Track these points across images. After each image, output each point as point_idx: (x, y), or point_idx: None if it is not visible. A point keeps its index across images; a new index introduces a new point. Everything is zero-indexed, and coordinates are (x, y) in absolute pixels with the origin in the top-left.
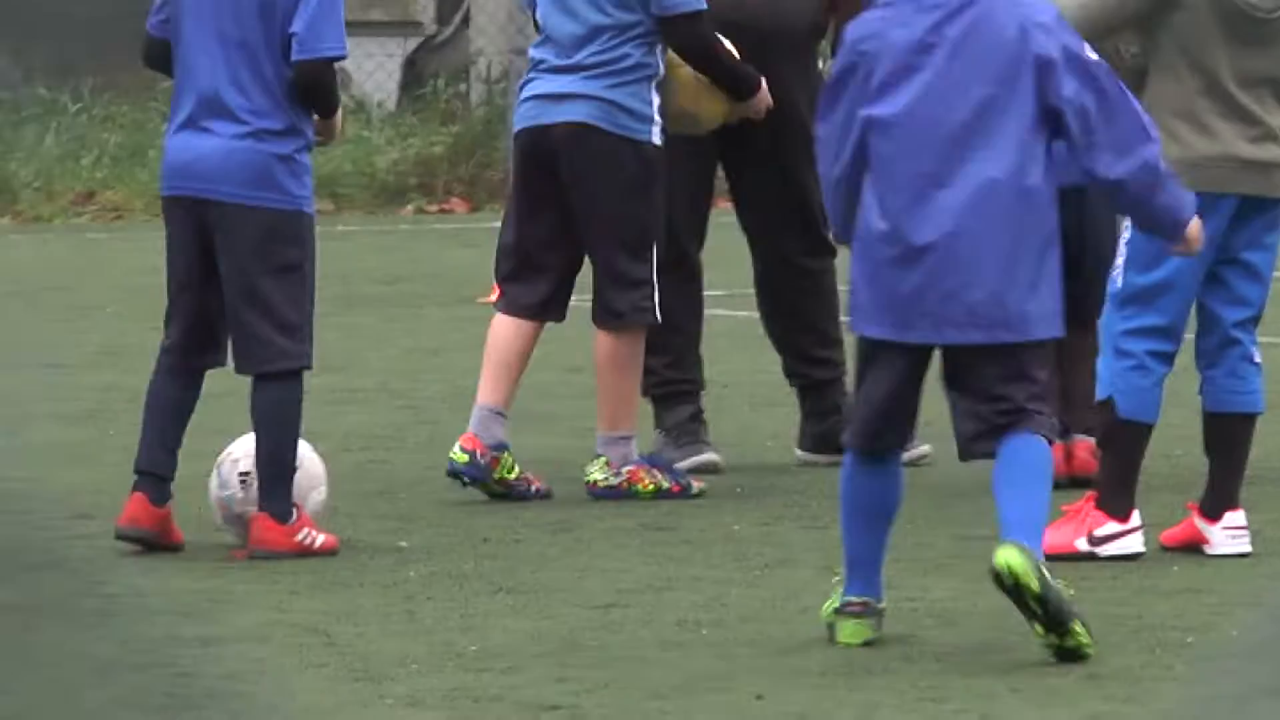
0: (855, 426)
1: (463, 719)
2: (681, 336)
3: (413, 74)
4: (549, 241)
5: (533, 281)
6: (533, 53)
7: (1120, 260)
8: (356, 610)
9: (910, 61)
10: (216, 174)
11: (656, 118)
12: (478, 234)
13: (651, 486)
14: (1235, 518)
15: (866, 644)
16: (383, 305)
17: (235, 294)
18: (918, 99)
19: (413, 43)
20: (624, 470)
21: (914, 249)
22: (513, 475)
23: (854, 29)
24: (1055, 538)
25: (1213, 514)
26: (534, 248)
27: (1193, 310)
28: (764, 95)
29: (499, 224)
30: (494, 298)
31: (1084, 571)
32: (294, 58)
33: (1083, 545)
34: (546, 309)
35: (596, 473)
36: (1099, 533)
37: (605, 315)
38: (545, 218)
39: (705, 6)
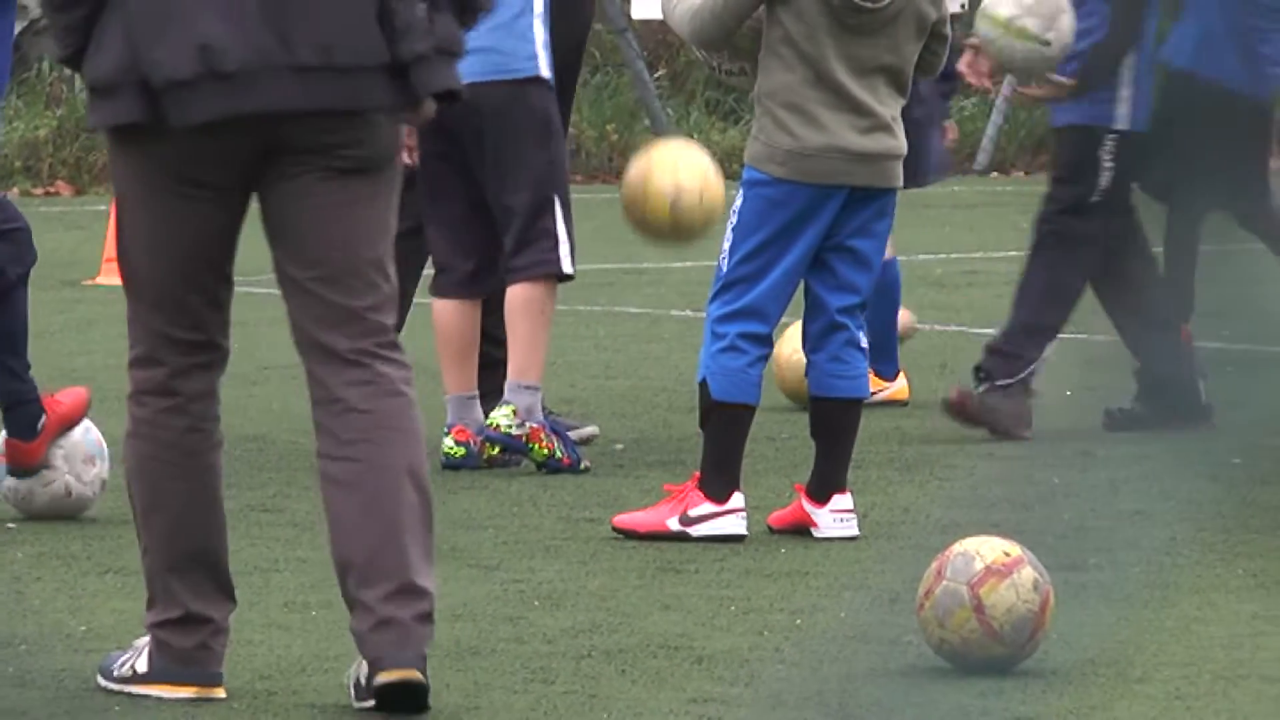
0: None
1: (71, 699)
2: (407, 305)
3: (18, 57)
4: None
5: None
6: None
7: (725, 245)
8: None
9: None
10: None
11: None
12: (83, 216)
13: (545, 451)
14: (842, 501)
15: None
16: None
17: None
18: None
19: (18, 26)
20: (528, 424)
21: None
22: (497, 452)
23: None
24: (651, 517)
25: (820, 497)
26: None
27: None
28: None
29: (104, 207)
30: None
31: (689, 554)
32: None
33: (674, 525)
34: (479, 282)
35: (501, 418)
36: (693, 513)
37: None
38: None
39: None
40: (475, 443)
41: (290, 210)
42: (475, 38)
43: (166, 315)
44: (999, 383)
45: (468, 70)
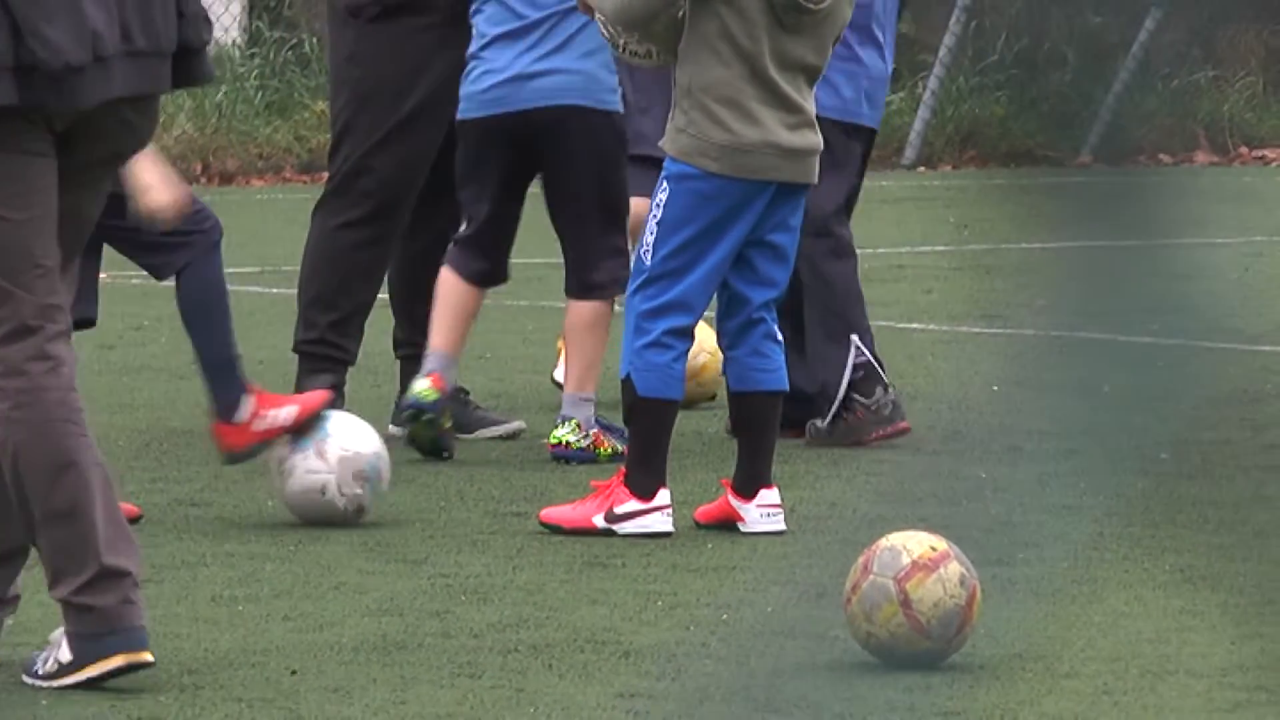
0: None
1: None
2: (355, 301)
3: None
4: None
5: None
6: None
7: (649, 239)
8: None
9: None
10: None
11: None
12: None
13: (609, 450)
14: (769, 495)
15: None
16: None
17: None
18: None
19: None
20: (590, 433)
21: None
22: (448, 425)
23: None
24: (577, 513)
25: (746, 492)
26: None
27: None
28: None
29: None
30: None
31: (616, 548)
32: None
33: (600, 522)
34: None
35: (567, 434)
36: (619, 510)
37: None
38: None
39: None
40: (445, 398)
41: (68, 194)
42: (571, 61)
43: (34, 283)
44: (828, 423)
45: (563, 91)
